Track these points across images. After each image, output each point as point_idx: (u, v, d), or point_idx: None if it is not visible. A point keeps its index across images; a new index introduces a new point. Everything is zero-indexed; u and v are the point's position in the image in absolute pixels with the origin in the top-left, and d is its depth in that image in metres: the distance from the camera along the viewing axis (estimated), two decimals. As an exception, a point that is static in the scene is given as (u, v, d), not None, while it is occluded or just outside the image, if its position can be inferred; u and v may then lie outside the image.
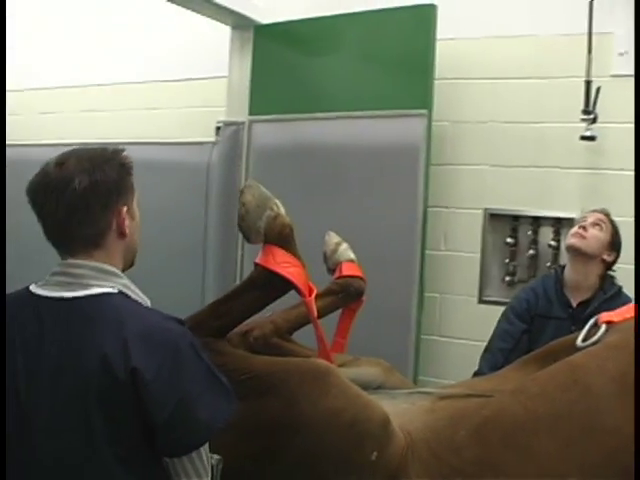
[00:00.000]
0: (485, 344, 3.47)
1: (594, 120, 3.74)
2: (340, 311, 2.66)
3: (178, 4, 4.08)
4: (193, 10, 4.22)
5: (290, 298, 2.25)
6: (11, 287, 1.90)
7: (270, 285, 2.06)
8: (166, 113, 5.14)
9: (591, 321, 2.36)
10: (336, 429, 1.93)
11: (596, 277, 3.21)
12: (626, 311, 2.38)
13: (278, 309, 2.44)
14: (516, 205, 4.08)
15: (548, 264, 3.95)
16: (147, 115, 5.18)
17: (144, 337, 1.70)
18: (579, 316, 3.12)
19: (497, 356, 3.25)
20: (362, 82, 4.08)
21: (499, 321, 3.45)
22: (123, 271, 1.87)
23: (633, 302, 3.00)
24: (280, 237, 2.05)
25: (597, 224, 3.22)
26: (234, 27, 4.44)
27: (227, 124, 4.44)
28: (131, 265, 1.93)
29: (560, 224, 3.94)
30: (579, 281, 3.22)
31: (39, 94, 5.61)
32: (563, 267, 3.38)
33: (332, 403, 1.95)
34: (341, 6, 4.14)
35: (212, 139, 4.55)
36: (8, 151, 4.01)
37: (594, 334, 2.27)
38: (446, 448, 1.98)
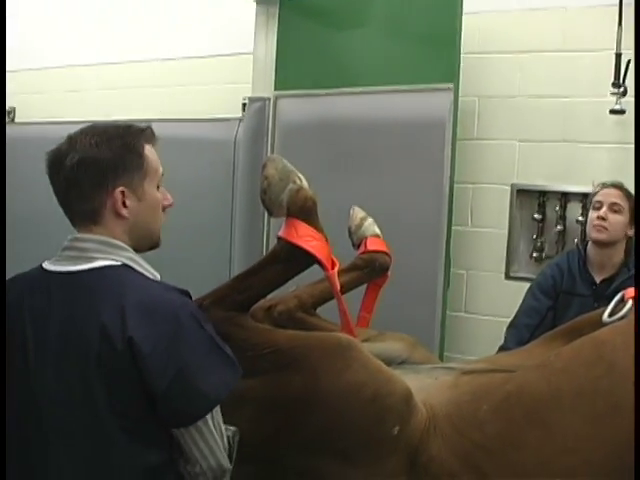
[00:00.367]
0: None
1: (624, 93, 3.68)
2: (365, 286, 2.65)
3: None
4: (218, -15, 4.21)
5: (314, 274, 2.24)
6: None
7: (292, 259, 2.05)
8: (193, 90, 5.14)
9: (617, 297, 2.34)
10: (357, 403, 1.93)
11: (622, 252, 3.17)
12: (653, 286, 2.35)
13: (302, 284, 2.44)
14: (544, 180, 4.04)
15: (576, 240, 3.91)
16: (174, 92, 5.19)
17: (143, 307, 1.72)
18: (602, 293, 3.09)
19: (522, 332, 3.24)
20: (388, 56, 4.05)
21: (525, 297, 3.43)
22: (139, 251, 1.89)
23: None
24: (303, 210, 2.04)
25: (614, 207, 3.17)
26: (259, 2, 4.42)
27: (253, 100, 4.43)
28: (151, 247, 1.94)
29: (588, 199, 3.90)
30: (604, 261, 3.19)
31: (63, 72, 5.64)
32: (587, 244, 3.35)
33: (353, 377, 1.95)
34: (366, -20, 4.11)
35: (239, 115, 4.55)
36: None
37: (620, 310, 2.25)
38: (469, 423, 1.97)
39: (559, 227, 4.06)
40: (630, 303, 2.26)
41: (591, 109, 3.85)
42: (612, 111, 3.70)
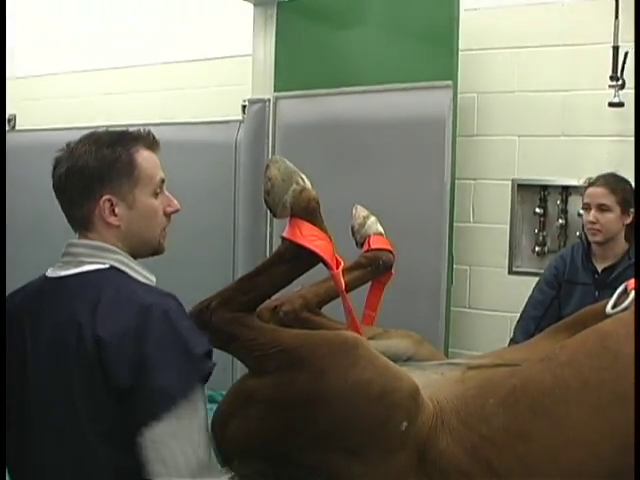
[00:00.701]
0: (515, 314, 3.48)
1: (622, 86, 3.69)
2: (370, 284, 2.67)
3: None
4: (216, -12, 4.22)
5: (319, 273, 2.26)
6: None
7: (297, 259, 2.06)
8: (193, 93, 5.17)
9: (620, 288, 2.34)
10: (365, 400, 1.94)
11: (623, 242, 3.18)
12: (657, 276, 2.36)
13: (307, 284, 2.45)
14: (544, 175, 4.05)
15: (578, 233, 3.93)
16: (174, 95, 5.21)
17: (113, 305, 1.74)
18: (604, 281, 3.12)
19: (530, 324, 3.28)
20: (387, 55, 4.07)
21: (533, 289, 3.46)
22: (140, 257, 1.92)
23: None
24: (306, 211, 2.05)
25: (602, 207, 3.18)
26: (257, 4, 4.44)
27: (252, 102, 4.44)
28: (153, 254, 1.97)
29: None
30: (606, 253, 3.20)
31: (63, 78, 5.65)
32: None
33: (361, 374, 1.96)
34: (364, -21, 4.13)
35: (239, 117, 4.57)
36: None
37: (624, 301, 2.25)
38: (476, 417, 1.98)
39: (561, 221, 4.08)
40: (633, 294, 2.27)
41: (590, 102, 3.87)
42: (611, 104, 3.72)
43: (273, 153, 4.28)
